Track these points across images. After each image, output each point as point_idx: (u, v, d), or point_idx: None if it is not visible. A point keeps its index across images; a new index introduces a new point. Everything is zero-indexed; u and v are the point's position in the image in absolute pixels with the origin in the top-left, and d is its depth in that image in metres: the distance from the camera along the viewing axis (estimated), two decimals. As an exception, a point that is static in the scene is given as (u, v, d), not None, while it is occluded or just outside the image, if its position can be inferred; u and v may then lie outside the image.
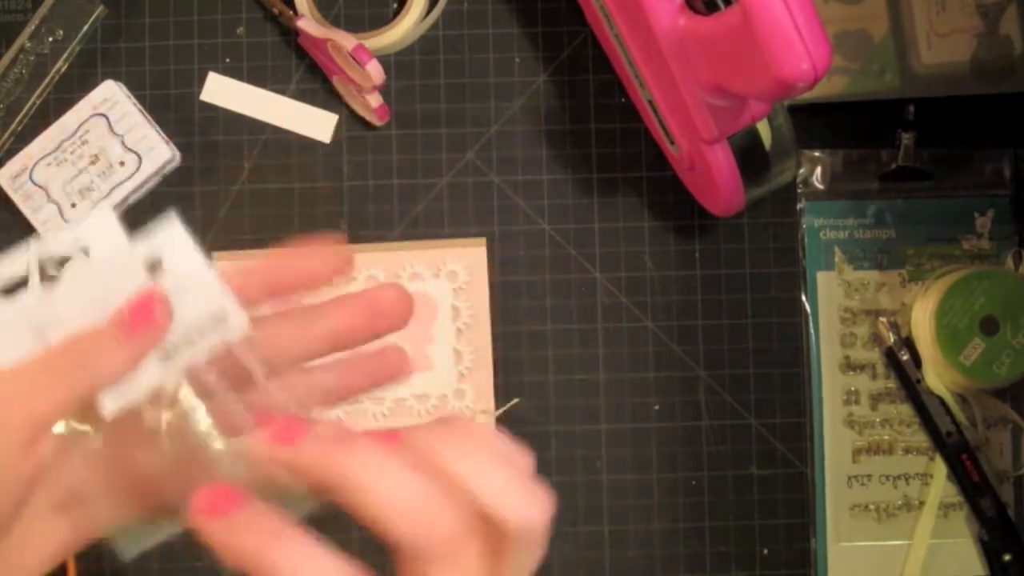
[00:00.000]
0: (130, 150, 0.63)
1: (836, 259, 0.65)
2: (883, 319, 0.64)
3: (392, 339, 0.57)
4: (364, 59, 0.60)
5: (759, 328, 0.65)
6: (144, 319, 0.36)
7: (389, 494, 0.33)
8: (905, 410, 0.64)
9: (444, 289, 0.64)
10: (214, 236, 0.65)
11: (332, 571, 0.34)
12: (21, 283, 0.37)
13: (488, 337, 0.63)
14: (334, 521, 0.65)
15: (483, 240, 0.64)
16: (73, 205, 0.63)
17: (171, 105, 0.65)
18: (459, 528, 0.33)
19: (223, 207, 0.65)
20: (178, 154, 0.64)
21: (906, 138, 0.64)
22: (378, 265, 0.64)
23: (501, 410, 0.64)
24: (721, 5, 0.50)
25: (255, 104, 0.65)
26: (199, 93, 0.65)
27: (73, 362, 0.35)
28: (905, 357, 0.64)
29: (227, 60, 0.65)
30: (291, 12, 0.64)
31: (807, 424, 0.64)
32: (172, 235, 0.36)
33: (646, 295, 0.65)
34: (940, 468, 0.64)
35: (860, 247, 0.65)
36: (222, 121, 0.65)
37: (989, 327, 0.62)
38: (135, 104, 0.63)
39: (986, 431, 0.64)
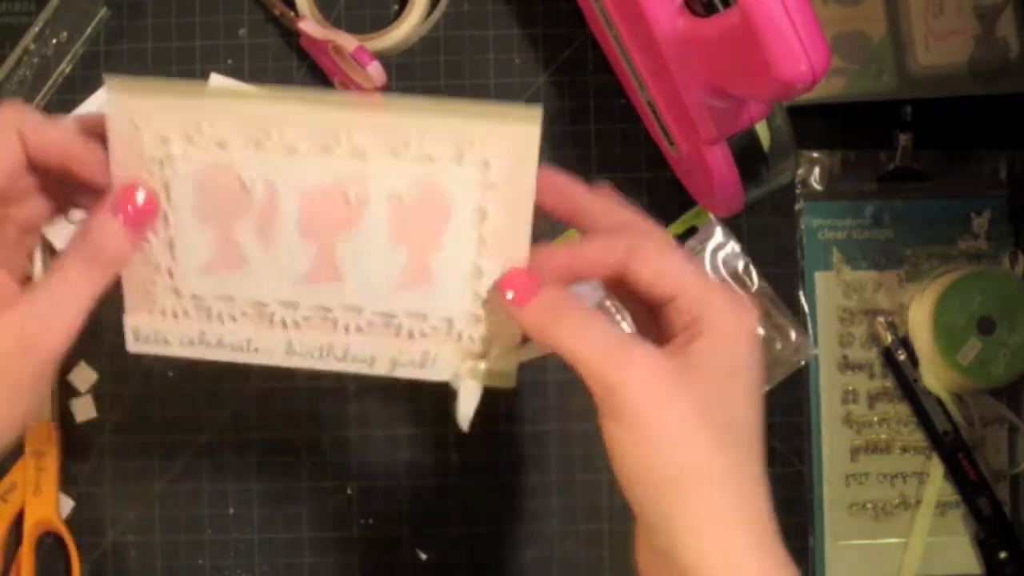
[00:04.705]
0: (133, 151, 0.62)
1: (834, 259, 0.65)
2: (881, 319, 0.65)
3: (382, 233, 0.44)
4: (365, 60, 0.60)
5: (758, 328, 0.65)
6: (136, 203, 0.43)
7: (583, 354, 0.40)
8: (903, 409, 0.65)
9: (468, 182, 0.43)
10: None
11: (598, 346, 0.40)
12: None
13: (526, 247, 0.44)
14: (334, 520, 0.66)
15: (537, 111, 0.42)
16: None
17: (173, 106, 0.65)
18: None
19: (225, 207, 0.65)
20: (180, 155, 0.65)
21: (904, 139, 0.64)
22: (370, 134, 0.43)
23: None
24: (720, 7, 0.50)
25: (257, 105, 0.66)
26: (201, 94, 0.66)
27: (88, 261, 0.42)
28: (903, 357, 0.64)
29: (229, 61, 0.66)
30: (292, 13, 0.64)
31: (805, 423, 0.65)
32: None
33: (645, 295, 0.65)
34: (937, 467, 0.64)
35: (858, 247, 0.65)
36: (224, 122, 0.66)
37: (986, 327, 0.62)
38: (138, 105, 0.63)
39: (983, 430, 0.64)
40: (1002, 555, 0.63)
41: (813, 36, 0.45)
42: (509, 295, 0.43)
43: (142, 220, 0.43)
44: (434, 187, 0.44)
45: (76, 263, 0.42)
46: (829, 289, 0.65)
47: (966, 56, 0.64)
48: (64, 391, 0.64)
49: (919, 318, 0.63)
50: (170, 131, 0.43)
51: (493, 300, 0.45)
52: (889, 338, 0.64)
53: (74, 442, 0.64)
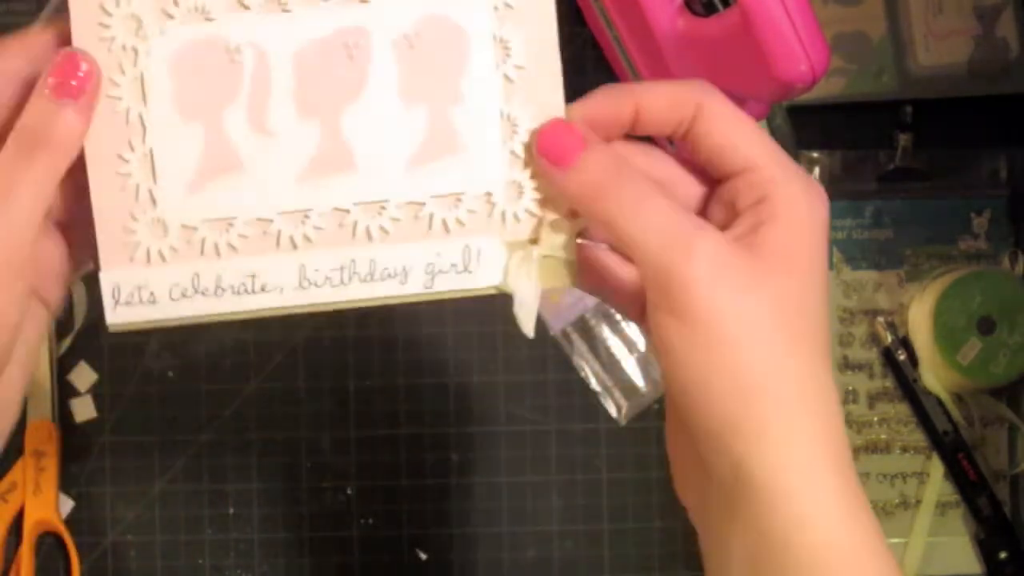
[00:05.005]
0: (133, 151, 0.62)
1: (834, 259, 0.65)
2: (881, 319, 0.65)
3: (392, 92, 0.39)
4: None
5: (758, 328, 0.65)
6: (73, 71, 0.37)
7: (639, 235, 0.35)
8: (903, 409, 0.65)
9: (480, 8, 0.39)
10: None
11: (657, 227, 0.35)
12: None
13: (559, 90, 0.39)
14: (334, 520, 0.66)
15: None
16: (76, 205, 0.62)
17: (173, 106, 0.65)
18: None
19: (225, 207, 0.65)
20: (180, 155, 0.64)
21: (904, 139, 0.64)
22: None
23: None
24: (720, 7, 0.50)
25: (257, 105, 0.65)
26: (201, 94, 0.66)
27: (29, 152, 0.36)
28: (903, 357, 0.64)
29: (229, 61, 0.66)
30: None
31: (805, 423, 0.65)
32: None
33: (645, 295, 0.65)
34: (937, 467, 0.64)
35: (858, 247, 0.65)
36: (224, 122, 0.66)
37: (986, 327, 0.62)
38: (138, 105, 0.63)
39: (983, 430, 0.64)
40: (1002, 555, 0.63)
41: (813, 36, 0.45)
42: (547, 155, 0.37)
43: (84, 90, 0.37)
44: (444, 20, 0.39)
45: (11, 150, 0.36)
46: (829, 289, 0.65)
47: (966, 56, 0.64)
48: (64, 391, 0.64)
49: (919, 318, 0.63)
50: (143, 9, 0.39)
51: (533, 161, 0.39)
52: (889, 338, 0.64)
53: (74, 442, 0.64)
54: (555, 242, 0.39)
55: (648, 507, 0.65)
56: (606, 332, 0.65)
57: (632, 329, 0.65)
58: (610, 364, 0.65)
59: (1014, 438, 0.65)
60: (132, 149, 0.39)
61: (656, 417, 0.65)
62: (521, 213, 0.39)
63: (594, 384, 0.64)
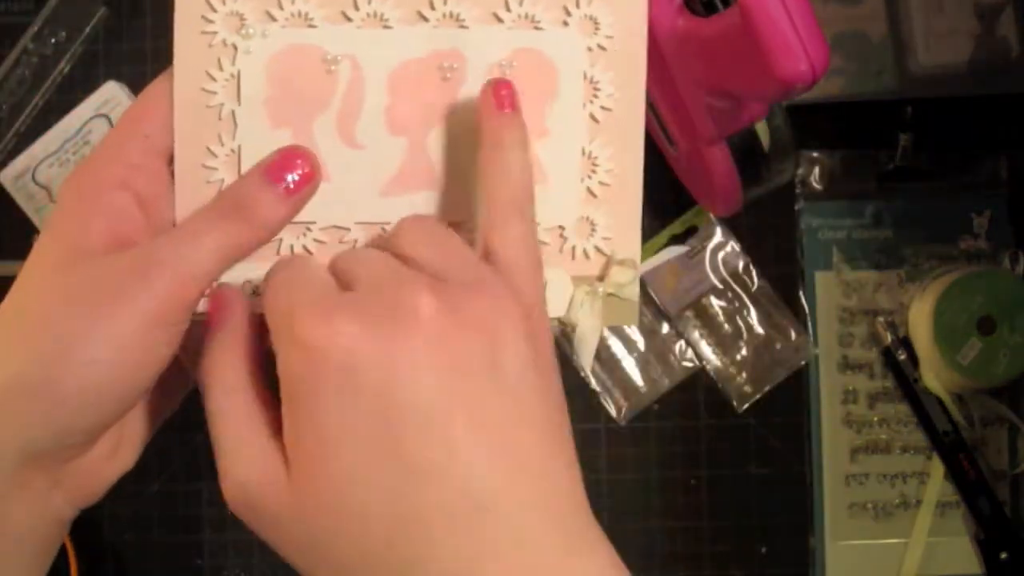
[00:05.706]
0: (132, 150, 0.62)
1: (834, 259, 0.65)
2: (881, 319, 0.65)
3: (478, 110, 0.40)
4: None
5: (757, 328, 0.65)
6: (292, 167, 0.37)
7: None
8: (903, 409, 0.65)
9: (574, 46, 0.40)
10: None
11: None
12: None
13: (640, 133, 0.40)
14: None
15: None
16: (75, 205, 0.62)
17: (173, 106, 0.65)
18: None
19: (224, 207, 0.65)
20: (180, 154, 0.64)
21: (904, 139, 0.64)
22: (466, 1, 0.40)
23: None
24: (720, 7, 0.50)
25: (256, 105, 0.65)
26: (201, 94, 0.65)
27: (224, 212, 0.37)
28: (903, 357, 0.64)
29: (228, 61, 0.66)
30: (292, 13, 0.64)
31: (805, 423, 0.65)
32: None
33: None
34: (937, 467, 0.64)
35: (858, 247, 0.65)
36: (223, 121, 0.65)
37: (986, 327, 0.62)
38: (137, 104, 0.63)
39: (983, 430, 0.64)
40: (1002, 555, 0.63)
41: (813, 36, 0.45)
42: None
43: (295, 187, 0.37)
44: (539, 55, 0.40)
45: (211, 208, 0.37)
46: (829, 289, 0.65)
47: (966, 56, 0.64)
48: (63, 391, 0.64)
49: (919, 318, 0.63)
50: (247, 8, 0.39)
51: (610, 199, 0.39)
52: (889, 338, 0.64)
53: (73, 442, 0.64)
54: (621, 281, 0.40)
55: (648, 507, 0.65)
56: (606, 332, 0.65)
57: (632, 329, 0.65)
58: (610, 364, 0.65)
59: (1014, 438, 0.65)
60: (221, 144, 0.39)
61: (656, 417, 0.65)
62: (591, 250, 0.40)
63: (594, 384, 0.64)
